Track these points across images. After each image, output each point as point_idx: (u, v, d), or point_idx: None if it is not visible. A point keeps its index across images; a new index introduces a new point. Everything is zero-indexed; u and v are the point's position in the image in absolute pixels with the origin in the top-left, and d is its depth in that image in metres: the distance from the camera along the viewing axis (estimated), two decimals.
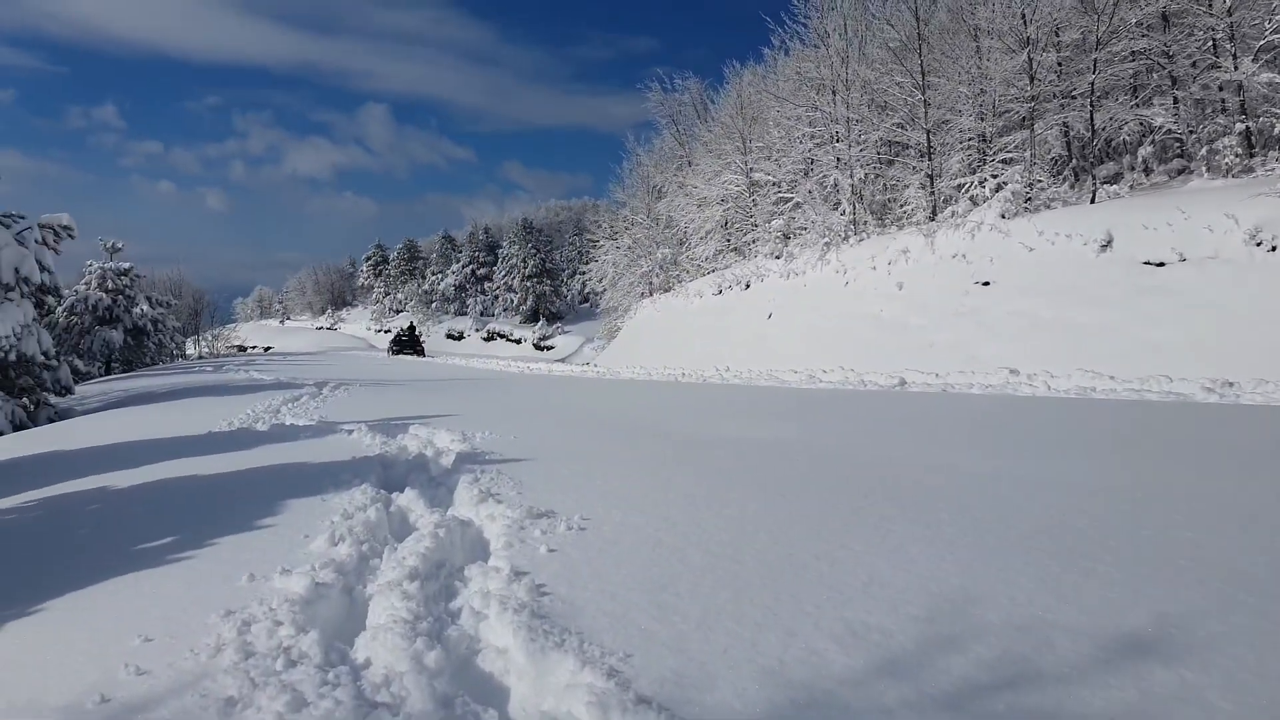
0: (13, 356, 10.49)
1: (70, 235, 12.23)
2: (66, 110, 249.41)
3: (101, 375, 25.90)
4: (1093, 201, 19.93)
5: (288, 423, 8.25)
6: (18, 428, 10.61)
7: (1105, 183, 20.88)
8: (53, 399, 12.11)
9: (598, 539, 3.40)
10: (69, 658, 2.51)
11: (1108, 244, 17.74)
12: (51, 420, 11.29)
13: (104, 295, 26.72)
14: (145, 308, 28.71)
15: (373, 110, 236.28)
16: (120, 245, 27.70)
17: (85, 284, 27.07)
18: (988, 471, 4.61)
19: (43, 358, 11.23)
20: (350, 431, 6.99)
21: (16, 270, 10.75)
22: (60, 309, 24.81)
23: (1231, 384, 8.96)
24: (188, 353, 40.36)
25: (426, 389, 13.18)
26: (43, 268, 11.46)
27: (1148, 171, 21.10)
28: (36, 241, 11.48)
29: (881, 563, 3.02)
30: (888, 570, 2.94)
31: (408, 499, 4.21)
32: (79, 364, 25.47)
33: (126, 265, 27.50)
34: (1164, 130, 20.24)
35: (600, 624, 2.54)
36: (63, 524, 4.33)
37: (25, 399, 11.10)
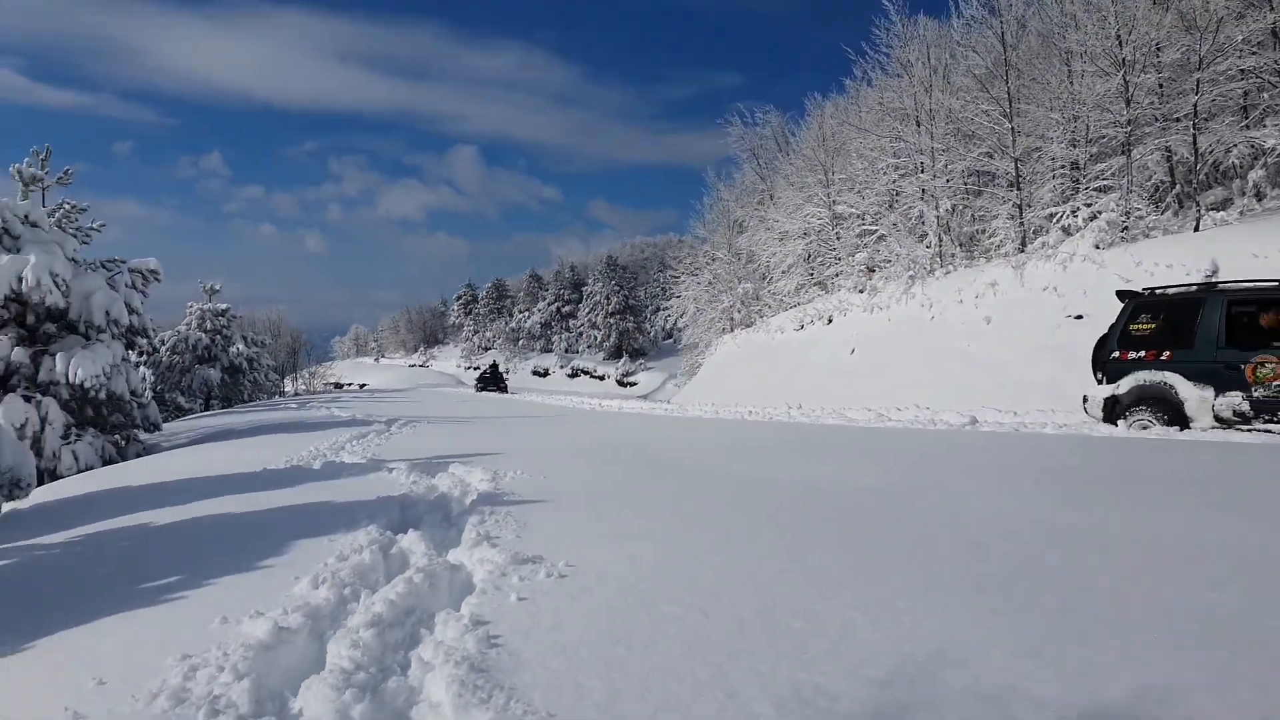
0: (103, 395, 11.16)
1: (157, 279, 13.01)
2: (176, 159, 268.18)
3: (201, 411, 27.33)
4: (1197, 229, 18.80)
5: (341, 460, 8.45)
6: (107, 462, 11.23)
7: (1212, 209, 19.69)
8: (142, 435, 12.80)
9: (573, 587, 3.30)
10: (19, 698, 2.56)
11: (1213, 274, 16.68)
12: (139, 455, 11.92)
13: (203, 335, 28.32)
14: (241, 346, 30.27)
15: (462, 152, 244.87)
16: (218, 287, 29.39)
17: (186, 324, 28.76)
18: (1017, 517, 4.30)
19: (131, 396, 11.89)
20: (392, 470, 7.09)
21: (107, 313, 11.48)
22: (164, 348, 26.39)
23: None
24: (285, 389, 42.25)
25: (488, 426, 13.34)
26: (131, 310, 12.20)
27: (1259, 197, 19.79)
28: (126, 285, 12.25)
29: (861, 618, 2.81)
30: (865, 626, 2.74)
31: (410, 541, 4.20)
32: (181, 400, 27.01)
33: (224, 306, 29.10)
34: (1277, 152, 18.97)
35: (538, 680, 2.43)
36: (90, 561, 4.50)
37: (116, 435, 11.77)
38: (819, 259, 32.29)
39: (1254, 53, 19.18)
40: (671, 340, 59.13)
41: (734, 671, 2.44)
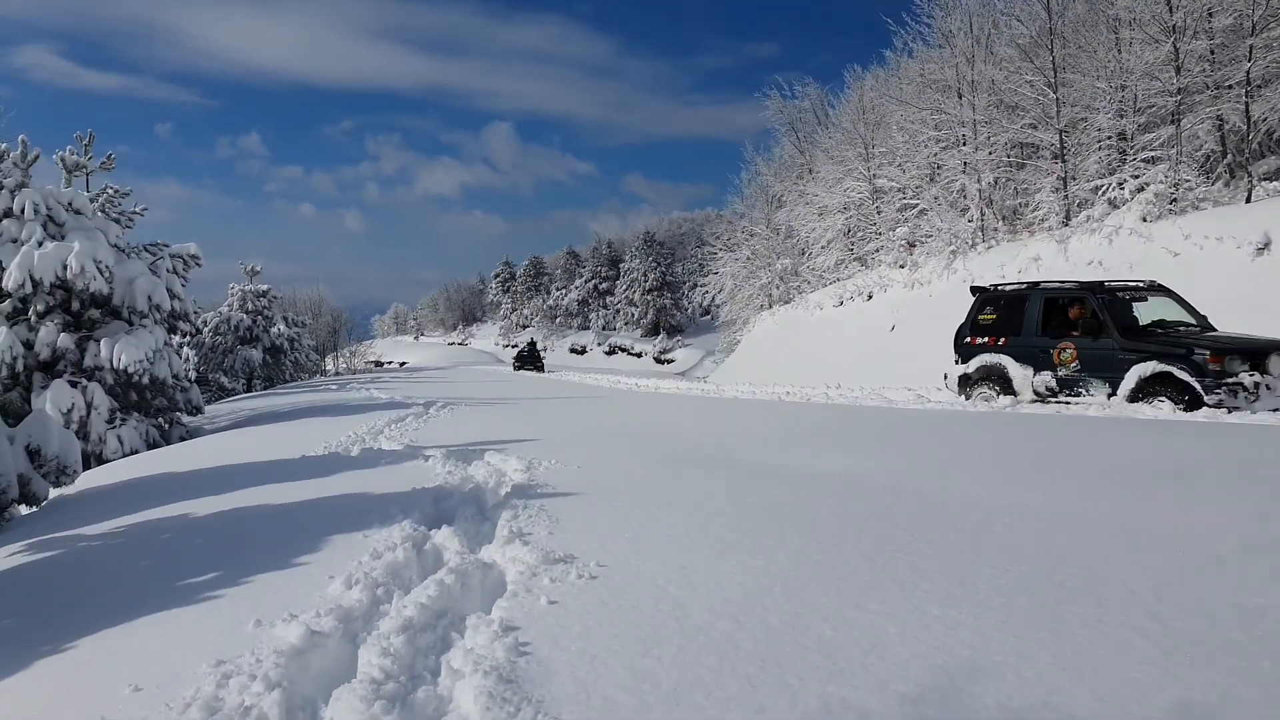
0: (145, 380, 11.42)
1: (198, 264, 13.26)
2: (216, 140, 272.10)
3: (244, 391, 27.90)
4: (1249, 200, 18.18)
5: (379, 446, 8.55)
6: (151, 445, 11.53)
7: (1265, 179, 19.02)
8: (184, 418, 13.11)
9: (604, 590, 3.29)
10: (57, 703, 2.62)
11: (1265, 246, 16.15)
12: (183, 439, 12.21)
13: (244, 316, 28.85)
14: (282, 327, 30.79)
15: (498, 129, 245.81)
16: (259, 268, 29.92)
17: (228, 305, 29.31)
18: (1060, 514, 4.19)
19: (174, 379, 12.15)
20: (428, 458, 7.16)
21: (149, 298, 11.73)
22: (206, 330, 26.92)
23: None
24: (326, 368, 42.91)
25: (524, 409, 13.42)
26: (173, 295, 12.45)
27: None
28: (168, 270, 12.50)
29: (892, 627, 2.77)
30: (896, 636, 2.69)
31: (444, 537, 4.22)
32: (224, 381, 27.60)
33: (264, 287, 29.59)
34: None
35: (566, 692, 2.43)
36: (133, 554, 4.61)
37: (160, 418, 12.06)
38: (859, 234, 31.85)
39: None
40: (709, 317, 58.88)
41: (763, 684, 2.41)
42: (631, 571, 3.52)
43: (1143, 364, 9.82)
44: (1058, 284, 11.72)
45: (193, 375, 26.80)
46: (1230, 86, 19.34)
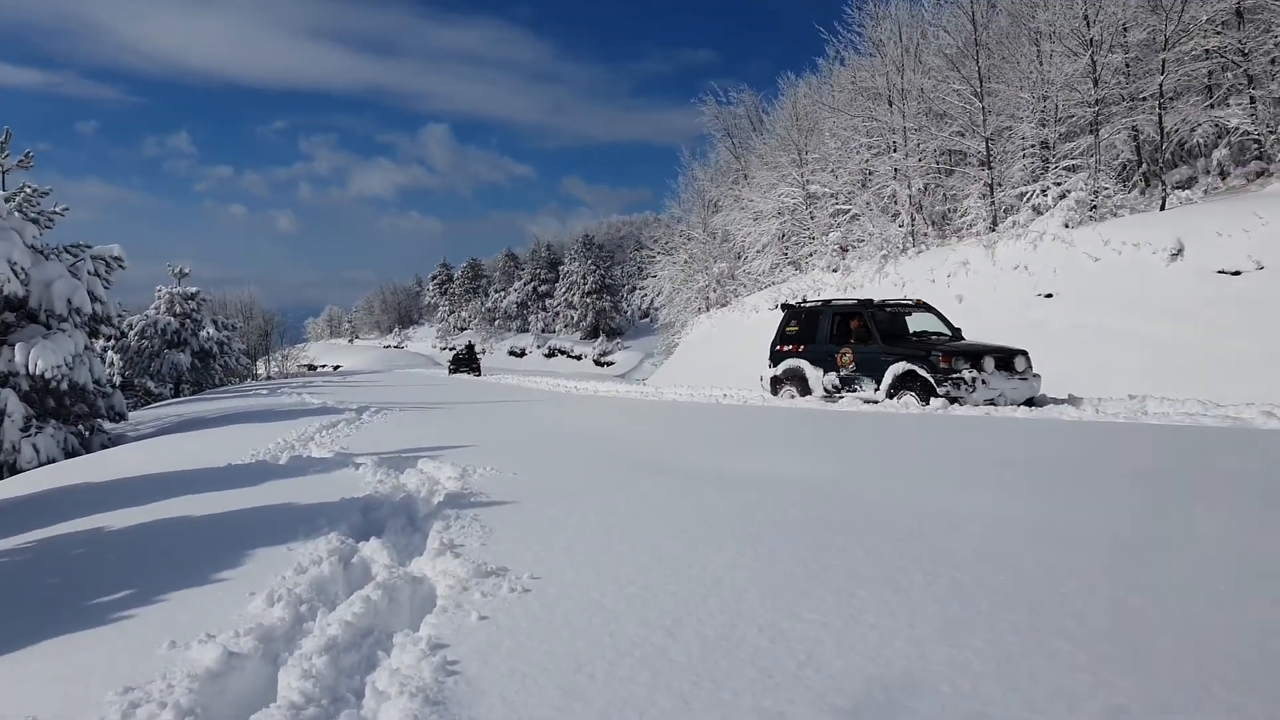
0: (64, 386, 10.91)
1: (121, 266, 12.72)
2: (143, 139, 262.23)
3: (171, 397, 26.91)
4: (1163, 208, 18.96)
5: (309, 454, 8.31)
6: (70, 454, 11.00)
7: (1177, 188, 19.87)
8: (106, 425, 12.55)
9: (536, 604, 3.22)
10: None
11: (1179, 252, 16.85)
12: (104, 446, 11.69)
13: (172, 319, 27.85)
14: (211, 330, 29.81)
15: (434, 131, 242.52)
16: (187, 270, 28.90)
17: (155, 308, 28.24)
18: (992, 517, 4.28)
19: (95, 385, 11.63)
20: (359, 466, 6.98)
21: (69, 301, 11.21)
22: (132, 333, 25.89)
23: None
24: (258, 373, 41.69)
25: (460, 414, 13.22)
26: (94, 298, 11.92)
27: (1224, 175, 19.99)
28: (89, 272, 11.96)
29: (828, 637, 2.77)
30: (831, 647, 2.69)
31: (372, 549, 4.10)
32: (150, 385, 26.58)
33: (193, 289, 28.62)
34: (1240, 132, 19.15)
35: (494, 713, 2.36)
36: (40, 571, 4.36)
37: (80, 426, 11.52)
38: (793, 239, 32.28)
39: (1218, 33, 19.31)
40: (648, 320, 59.04)
41: (696, 700, 2.38)
42: (565, 583, 3.46)
43: (897, 364, 11.95)
44: (843, 301, 14.26)
45: (117, 380, 25.74)
46: (1144, 98, 20.18)
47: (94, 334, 12.39)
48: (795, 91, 34.06)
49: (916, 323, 13.41)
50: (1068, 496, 4.85)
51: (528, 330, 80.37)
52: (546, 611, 3.14)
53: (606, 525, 4.43)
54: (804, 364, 13.43)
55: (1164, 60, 19.14)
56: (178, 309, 28.68)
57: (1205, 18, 18.98)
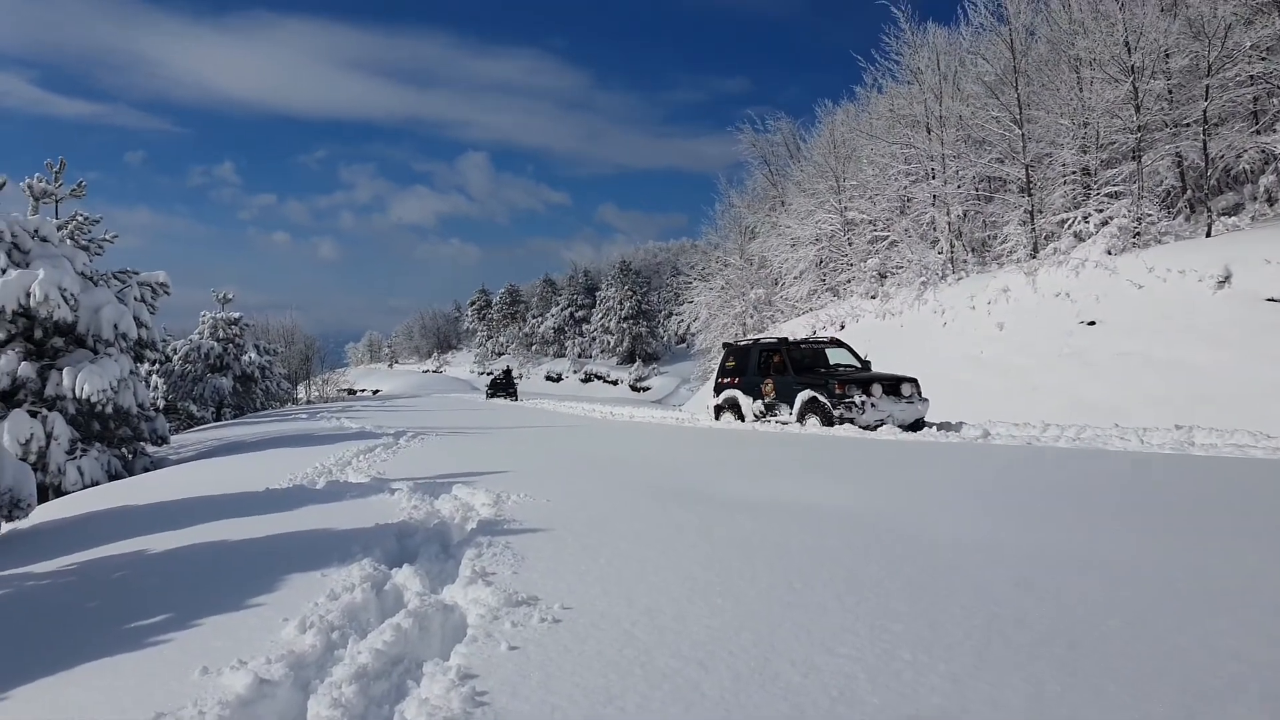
0: (109, 409, 11.16)
1: (166, 292, 13.06)
2: (188, 168, 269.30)
3: (213, 420, 27.43)
4: (1208, 235, 18.58)
5: (345, 479, 8.39)
6: (113, 477, 11.23)
7: (1223, 214, 19.46)
8: (149, 448, 12.81)
9: (567, 634, 3.20)
10: None
11: (1225, 280, 16.48)
12: (147, 469, 11.91)
13: (215, 344, 28.44)
14: (253, 355, 30.39)
15: (472, 159, 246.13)
16: (231, 295, 29.57)
17: (199, 333, 28.89)
18: (1030, 551, 4.17)
19: (139, 409, 11.89)
20: (394, 491, 7.02)
21: (115, 326, 11.50)
22: (176, 357, 26.48)
23: None
24: (298, 397, 42.35)
25: (496, 439, 13.27)
26: (140, 323, 12.22)
27: (1271, 202, 19.56)
28: (135, 298, 12.28)
29: (861, 673, 2.70)
30: (865, 683, 2.63)
31: (405, 576, 4.10)
32: (193, 409, 27.12)
33: (236, 315, 29.25)
34: None
35: None
36: (80, 594, 4.43)
37: (123, 449, 11.77)
38: (831, 265, 32.15)
39: (1263, 59, 18.97)
40: (684, 345, 59.03)
41: None
42: (597, 613, 3.43)
43: (804, 391, 13.68)
44: (767, 339, 16.07)
45: (161, 404, 26.34)
46: (1188, 124, 19.85)
47: (139, 358, 12.69)
48: (833, 119, 34.12)
49: (836, 357, 15.32)
50: (1113, 529, 4.72)
51: (564, 355, 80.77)
52: (577, 642, 3.11)
53: (640, 554, 4.40)
54: (738, 393, 15.34)
55: (1208, 86, 18.85)
56: (221, 334, 29.29)
57: (1249, 43, 18.67)
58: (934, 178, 26.76)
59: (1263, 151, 19.27)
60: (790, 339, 15.88)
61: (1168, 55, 20.18)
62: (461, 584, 3.93)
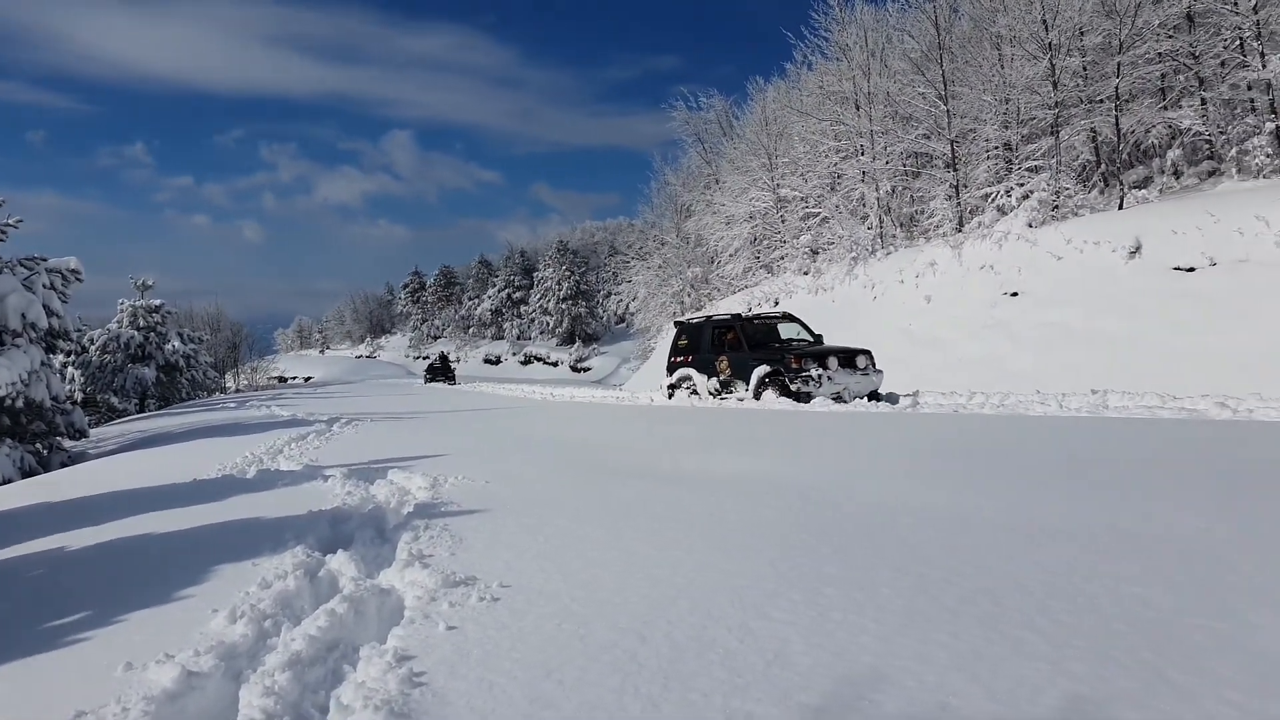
0: (20, 403, 10.67)
1: (78, 279, 12.48)
2: (97, 149, 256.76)
3: (136, 412, 26.44)
4: (1121, 207, 19.32)
5: (277, 467, 8.20)
6: (28, 474, 10.75)
7: (1134, 188, 20.25)
8: (66, 443, 12.29)
9: (505, 612, 3.19)
10: None
11: (1137, 250, 17.16)
12: (64, 464, 11.44)
13: (135, 333, 27.34)
14: (177, 344, 29.33)
15: (398, 137, 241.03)
16: (151, 282, 28.42)
17: (117, 322, 27.72)
18: (960, 513, 4.31)
19: (54, 402, 11.39)
20: (328, 478, 6.88)
21: (23, 316, 10.97)
22: (94, 347, 25.38)
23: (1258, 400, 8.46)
24: (227, 386, 41.11)
25: (433, 424, 13.12)
26: (51, 312, 11.67)
27: (1177, 175, 20.42)
28: (45, 286, 11.71)
29: (796, 636, 2.77)
30: (799, 645, 2.69)
31: (340, 562, 4.04)
32: (114, 401, 26.07)
33: (157, 302, 28.13)
34: (1193, 132, 19.57)
35: None
36: None
37: (37, 444, 11.27)
38: (765, 242, 32.46)
39: (1170, 36, 19.73)
40: (624, 325, 59.05)
41: (666, 703, 2.36)
42: (535, 590, 3.43)
43: (760, 367, 13.64)
44: (720, 316, 16.26)
45: (78, 396, 25.26)
46: (1102, 101, 20.55)
47: (51, 349, 12.12)
48: (764, 96, 34.30)
49: (788, 331, 15.34)
50: (1032, 491, 4.90)
51: (503, 337, 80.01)
52: (515, 619, 3.11)
53: (579, 531, 4.41)
54: (693, 371, 15.38)
55: (1119, 63, 19.51)
56: (141, 322, 28.16)
57: (1158, 22, 19.38)
58: (863, 154, 27.18)
59: (1170, 126, 20.08)
60: (744, 315, 15.84)
61: (1082, 33, 20.82)
62: (398, 567, 3.89)
